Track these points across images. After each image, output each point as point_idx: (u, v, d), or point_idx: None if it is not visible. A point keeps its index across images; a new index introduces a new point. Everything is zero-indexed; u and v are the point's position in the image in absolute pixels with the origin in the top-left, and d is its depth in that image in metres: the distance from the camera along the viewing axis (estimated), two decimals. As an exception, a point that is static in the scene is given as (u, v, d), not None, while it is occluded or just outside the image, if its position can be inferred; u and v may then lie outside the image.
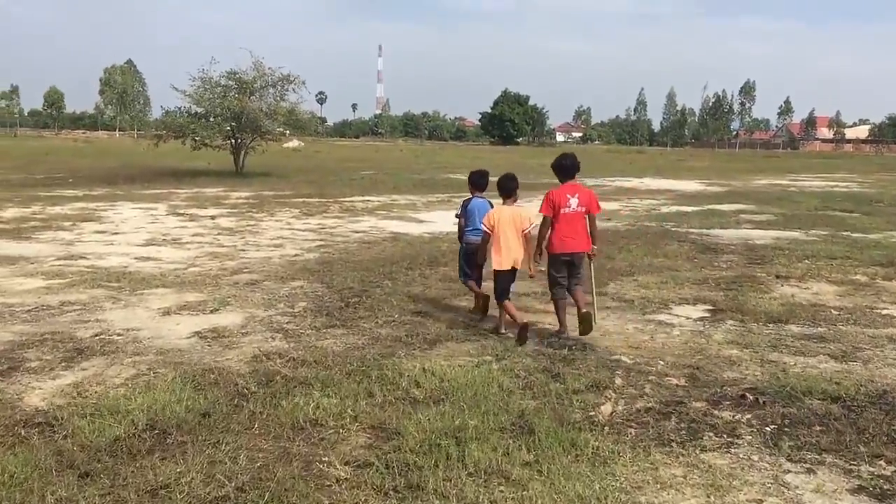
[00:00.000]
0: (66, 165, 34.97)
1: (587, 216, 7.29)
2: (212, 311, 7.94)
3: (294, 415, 4.97)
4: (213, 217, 16.25)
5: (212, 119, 30.42)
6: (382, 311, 8.04)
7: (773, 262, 11.70)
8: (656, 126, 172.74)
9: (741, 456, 4.58)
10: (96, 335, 6.91)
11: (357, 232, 14.57)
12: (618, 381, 5.90)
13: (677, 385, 5.86)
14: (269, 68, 30.97)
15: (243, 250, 12.08)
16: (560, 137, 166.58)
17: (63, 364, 6.06)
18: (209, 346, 6.68)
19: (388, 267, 10.57)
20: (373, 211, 18.48)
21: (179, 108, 31.38)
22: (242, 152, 31.55)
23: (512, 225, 7.18)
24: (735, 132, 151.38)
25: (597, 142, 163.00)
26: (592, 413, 5.20)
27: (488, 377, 5.81)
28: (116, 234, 13.61)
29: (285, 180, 28.82)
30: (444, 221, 15.94)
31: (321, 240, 13.43)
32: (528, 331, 6.98)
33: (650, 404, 5.41)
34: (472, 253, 7.84)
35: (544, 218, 7.21)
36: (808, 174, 43.38)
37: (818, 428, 4.99)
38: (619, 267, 11.05)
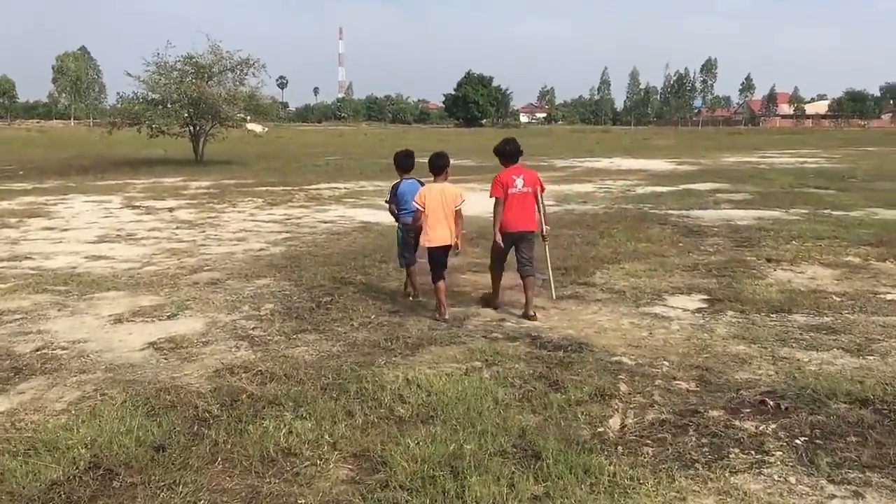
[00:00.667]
0: (17, 156, 33.52)
1: (535, 196, 7.52)
2: (169, 317, 7.23)
3: (263, 444, 4.33)
4: (171, 209, 15.39)
5: (168, 105, 29.20)
6: (357, 311, 7.40)
7: (761, 244, 11.25)
8: (619, 105, 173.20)
9: (776, 478, 4.03)
10: (38, 350, 6.17)
11: (325, 222, 13.85)
12: (623, 387, 5.33)
13: (688, 390, 5.31)
14: (226, 52, 29.85)
15: (204, 245, 11.32)
16: (524, 118, 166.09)
17: (-3, 387, 5.33)
18: (165, 359, 5.99)
19: (360, 260, 9.91)
20: (340, 199, 17.73)
21: (135, 94, 30.14)
22: (201, 139, 30.44)
23: (441, 202, 7.26)
24: (697, 110, 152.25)
25: (560, 122, 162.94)
26: (601, 429, 4.63)
27: (480, 388, 5.20)
28: (66, 230, 12.73)
29: (247, 168, 27.87)
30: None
31: (287, 232, 12.70)
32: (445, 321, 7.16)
33: (663, 415, 4.85)
34: (408, 234, 7.84)
35: (496, 200, 7.40)
36: (773, 150, 43.41)
37: (854, 439, 4.47)
38: (604, 254, 10.50)
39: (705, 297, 8.07)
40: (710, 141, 60.27)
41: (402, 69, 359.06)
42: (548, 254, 8.08)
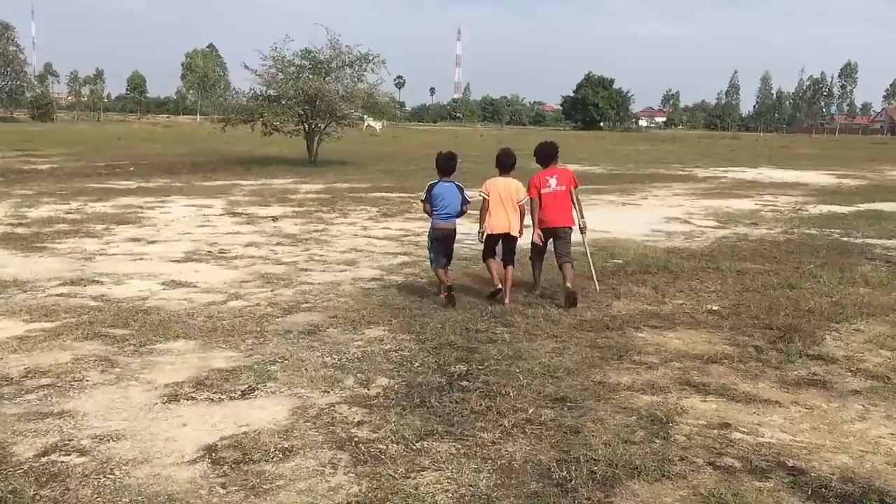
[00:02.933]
0: (134, 152, 33.12)
1: (570, 193, 8.13)
2: (243, 394, 5.14)
3: None
4: (274, 219, 13.58)
5: (284, 102, 27.82)
6: (507, 396, 5.12)
7: None
8: (744, 110, 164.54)
9: None
10: (43, 454, 4.17)
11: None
12: None
13: None
14: (346, 46, 28.20)
15: (305, 270, 9.31)
16: (643, 122, 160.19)
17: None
18: (223, 487, 3.86)
19: (496, 302, 7.64)
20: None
21: (251, 90, 29.02)
22: (316, 139, 28.93)
23: (506, 195, 7.85)
24: (830, 116, 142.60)
25: (681, 126, 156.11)
26: None
27: None
28: (154, 242, 11.04)
29: (362, 170, 26.14)
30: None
31: (405, 253, 10.57)
32: (498, 294, 7.71)
33: None
34: (440, 239, 7.79)
35: (531, 199, 8.00)
36: (943, 164, 38.43)
37: None
38: (821, 306, 7.81)
39: None
40: (857, 151, 54.82)
41: (518, 70, 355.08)
42: (588, 249, 8.64)
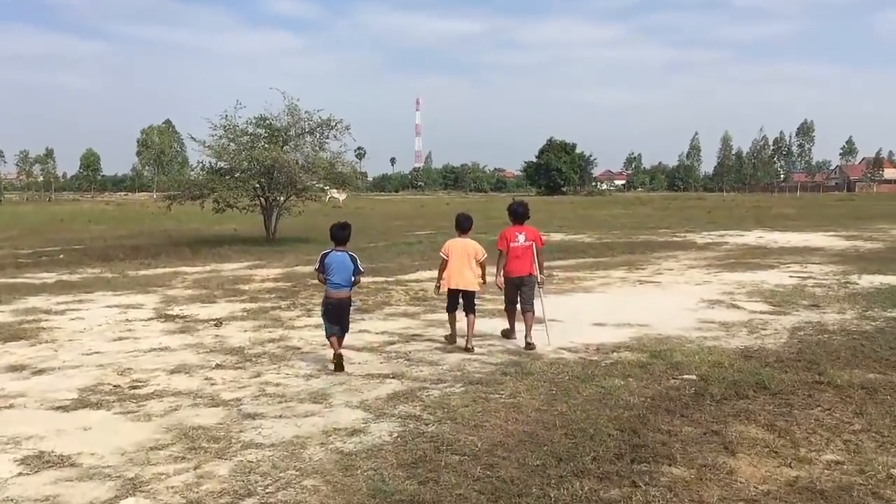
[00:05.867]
0: (72, 235, 29.73)
1: (533, 250, 9.07)
2: None
3: None
4: (217, 323, 10.52)
5: (237, 175, 24.93)
6: None
7: None
8: (702, 171, 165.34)
9: None
10: None
11: (433, 363, 8.75)
12: None
13: None
14: (305, 112, 25.46)
15: (253, 417, 6.31)
16: (603, 185, 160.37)
17: None
18: None
19: (550, 467, 4.73)
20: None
21: (199, 163, 26.08)
22: (274, 214, 25.96)
23: (464, 253, 8.77)
24: (784, 175, 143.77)
25: (639, 189, 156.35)
26: None
27: None
28: (40, 371, 7.90)
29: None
30: (650, 313, 10.15)
31: (393, 375, 7.63)
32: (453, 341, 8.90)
33: None
34: (331, 308, 7.90)
35: (500, 252, 9.08)
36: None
37: None
38: None
39: None
40: (830, 209, 53.45)
41: (477, 138, 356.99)
42: (542, 297, 9.20)
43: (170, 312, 11.42)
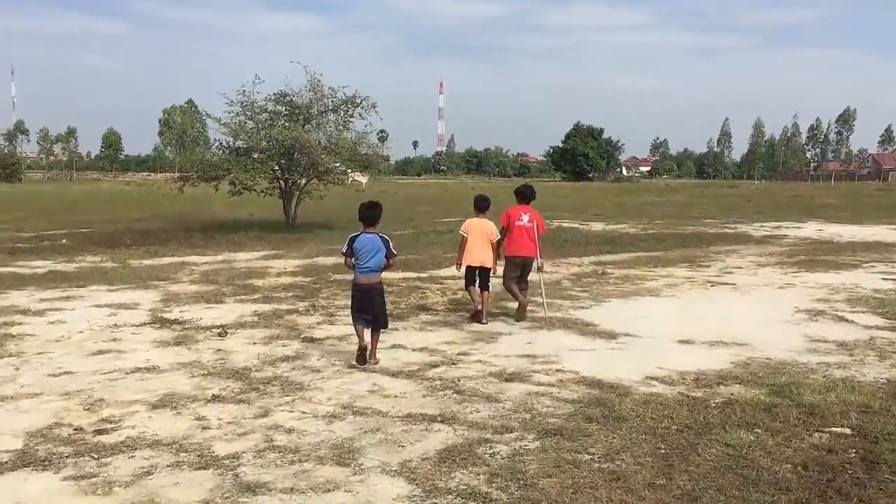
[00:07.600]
0: (83, 217, 28.15)
1: (536, 232, 9.42)
2: None
3: None
4: (221, 333, 8.75)
5: (255, 155, 23.14)
6: None
7: None
8: (732, 158, 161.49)
9: None
10: None
11: (523, 386, 6.92)
12: None
13: None
14: (328, 88, 23.56)
15: (253, 489, 4.51)
16: (625, 172, 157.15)
17: None
18: None
19: None
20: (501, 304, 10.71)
21: (215, 141, 24.31)
22: (294, 198, 24.18)
23: (482, 232, 9.28)
24: (816, 163, 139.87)
25: (665, 175, 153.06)
26: None
27: None
28: (-12, 403, 6.19)
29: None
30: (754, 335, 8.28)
31: (441, 417, 5.81)
32: (478, 318, 9.21)
33: None
34: (359, 294, 7.24)
35: (502, 228, 9.43)
36: None
37: None
38: None
39: None
40: (874, 199, 50.88)
41: (499, 123, 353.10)
42: (543, 283, 9.61)
43: (167, 316, 9.66)
